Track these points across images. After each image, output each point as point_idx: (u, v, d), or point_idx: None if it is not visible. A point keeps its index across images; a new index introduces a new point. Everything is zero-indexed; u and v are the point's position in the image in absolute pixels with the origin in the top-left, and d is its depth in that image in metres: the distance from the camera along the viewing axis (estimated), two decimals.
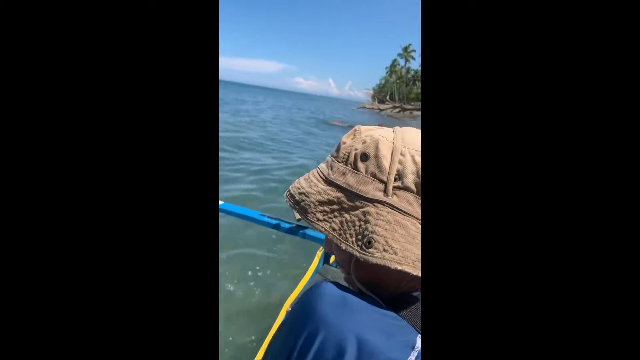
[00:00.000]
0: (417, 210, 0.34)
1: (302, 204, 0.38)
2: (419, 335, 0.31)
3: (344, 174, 0.36)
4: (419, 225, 0.34)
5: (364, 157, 0.36)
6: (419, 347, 0.29)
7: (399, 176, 0.34)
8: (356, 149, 0.37)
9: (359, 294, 0.33)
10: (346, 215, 0.36)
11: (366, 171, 0.35)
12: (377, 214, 0.34)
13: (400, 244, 0.33)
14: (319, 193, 0.37)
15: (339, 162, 0.38)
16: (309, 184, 0.39)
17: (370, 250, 0.33)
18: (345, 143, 0.39)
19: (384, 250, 0.33)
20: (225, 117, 10.97)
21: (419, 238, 0.33)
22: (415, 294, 0.37)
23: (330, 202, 0.37)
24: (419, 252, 0.33)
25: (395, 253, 0.33)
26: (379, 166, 0.35)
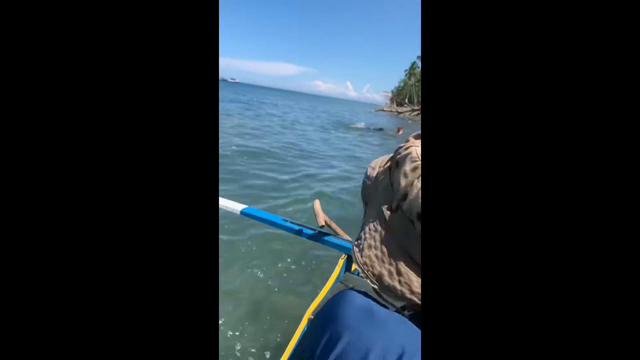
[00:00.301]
0: (403, 236, 0.33)
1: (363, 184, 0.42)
2: None
3: (382, 173, 0.38)
4: (397, 253, 0.33)
5: (396, 165, 0.35)
6: None
7: (404, 197, 0.33)
8: (399, 154, 0.36)
9: (386, 307, 0.33)
10: (369, 208, 0.39)
11: (390, 178, 0.35)
12: (376, 221, 0.35)
13: (370, 258, 0.34)
14: (369, 179, 0.41)
15: (390, 160, 0.38)
16: (372, 170, 0.41)
17: (357, 249, 0.36)
18: (407, 142, 0.38)
19: (362, 256, 0.35)
20: (253, 120, 11.11)
21: (389, 262, 0.33)
22: None
23: (367, 191, 0.40)
24: (382, 271, 0.33)
25: (365, 263, 0.34)
26: (397, 179, 0.34)
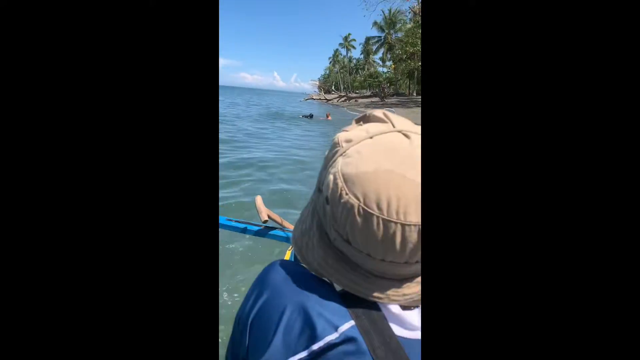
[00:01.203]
0: (323, 214, 0.34)
1: None
2: (353, 323, 0.29)
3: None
4: (315, 229, 0.36)
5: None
6: (343, 330, 0.29)
7: (325, 178, 0.34)
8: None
9: (315, 277, 0.34)
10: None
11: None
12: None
13: (297, 232, 0.39)
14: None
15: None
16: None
17: (295, 225, 0.41)
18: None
19: (295, 231, 0.40)
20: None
21: (308, 237, 0.37)
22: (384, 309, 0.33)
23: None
24: (302, 244, 0.37)
25: (294, 237, 0.39)
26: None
